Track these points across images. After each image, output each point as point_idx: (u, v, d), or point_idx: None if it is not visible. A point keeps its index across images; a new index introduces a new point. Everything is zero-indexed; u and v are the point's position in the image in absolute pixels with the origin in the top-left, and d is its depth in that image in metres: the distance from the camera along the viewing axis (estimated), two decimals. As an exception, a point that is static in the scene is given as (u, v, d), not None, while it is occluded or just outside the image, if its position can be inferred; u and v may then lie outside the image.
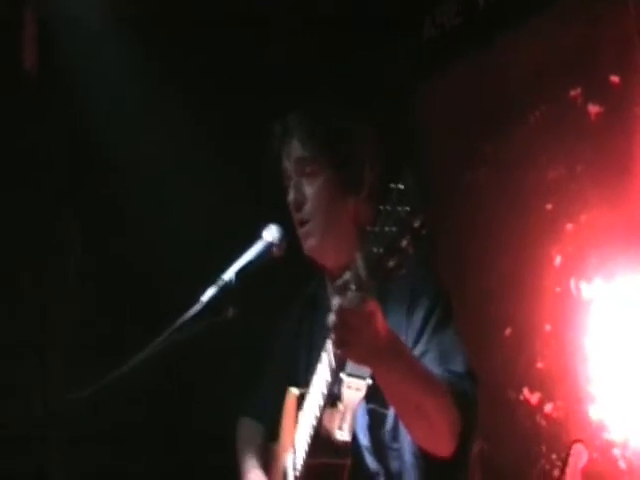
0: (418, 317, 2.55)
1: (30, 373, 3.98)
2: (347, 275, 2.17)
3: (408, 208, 2.00)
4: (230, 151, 4.11)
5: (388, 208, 2.03)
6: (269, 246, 2.61)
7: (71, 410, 2.45)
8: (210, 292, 2.52)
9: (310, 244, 2.71)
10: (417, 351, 2.50)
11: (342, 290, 2.18)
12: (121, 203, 4.19)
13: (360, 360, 2.32)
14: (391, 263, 2.05)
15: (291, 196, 2.73)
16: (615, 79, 3.67)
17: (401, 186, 2.02)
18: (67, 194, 4.17)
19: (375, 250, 2.06)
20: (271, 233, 2.62)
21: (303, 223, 2.71)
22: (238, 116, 4.14)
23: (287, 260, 2.63)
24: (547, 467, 3.81)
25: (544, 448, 3.83)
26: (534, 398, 3.90)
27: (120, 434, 4.07)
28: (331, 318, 2.19)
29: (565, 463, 3.64)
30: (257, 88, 4.26)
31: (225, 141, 4.19)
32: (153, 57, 4.18)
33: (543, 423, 3.86)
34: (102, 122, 4.09)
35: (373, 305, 2.20)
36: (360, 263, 2.11)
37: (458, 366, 2.48)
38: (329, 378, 2.42)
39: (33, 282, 4.07)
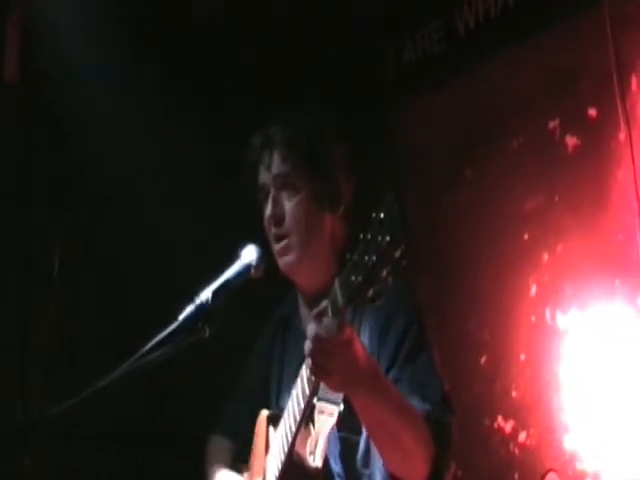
0: (391, 344, 2.54)
1: (10, 376, 3.96)
2: (324, 303, 2.17)
3: (388, 238, 1.97)
4: (222, 162, 4.11)
5: (368, 237, 2.01)
6: (247, 267, 2.59)
7: (49, 421, 2.44)
8: (186, 311, 2.53)
9: (288, 261, 2.69)
10: (390, 377, 2.48)
11: (319, 318, 2.18)
12: (107, 210, 4.19)
13: (338, 387, 2.32)
14: (370, 293, 2.03)
15: (269, 210, 2.70)
16: (593, 112, 3.71)
17: (382, 215, 2.00)
18: (52, 199, 4.16)
19: (354, 279, 2.04)
20: (250, 254, 2.61)
21: (280, 238, 2.68)
22: (227, 125, 4.16)
23: (264, 278, 2.63)
24: (520, 495, 3.82)
25: (517, 476, 3.82)
26: (508, 426, 3.90)
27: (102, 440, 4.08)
28: (307, 345, 2.19)
29: (538, 492, 3.66)
30: (249, 98, 4.29)
31: (216, 152, 4.22)
32: (140, 64, 4.18)
33: (516, 451, 3.86)
34: (87, 132, 4.10)
35: (350, 332, 2.20)
36: (338, 291, 2.11)
37: (433, 393, 2.47)
38: (302, 404, 2.41)
39: (17, 284, 4.06)
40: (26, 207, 4.13)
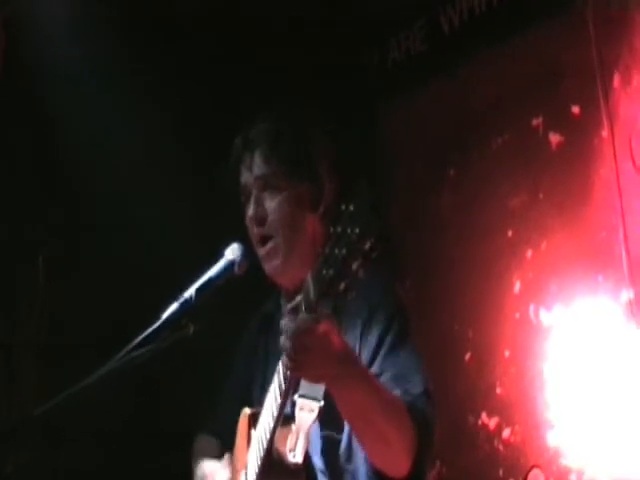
0: (373, 337, 2.53)
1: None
2: (298, 298, 2.18)
3: (358, 230, 1.98)
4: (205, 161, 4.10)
5: (339, 230, 2.02)
6: (231, 264, 2.59)
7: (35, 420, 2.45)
8: (170, 309, 2.53)
9: (274, 265, 2.67)
10: (373, 370, 2.48)
11: (294, 313, 2.19)
12: (91, 207, 4.19)
13: (316, 380, 2.33)
14: (341, 286, 2.04)
15: (251, 211, 2.69)
16: (576, 109, 3.73)
17: (352, 207, 2.01)
18: (36, 198, 4.16)
19: (325, 273, 2.05)
20: (233, 251, 2.61)
21: (265, 239, 2.67)
22: (211, 125, 4.17)
23: (248, 275, 2.64)
24: (505, 491, 3.84)
25: (501, 472, 3.84)
26: (492, 423, 3.91)
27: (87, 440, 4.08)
28: (282, 340, 2.20)
29: (522, 488, 3.67)
30: (230, 98, 4.29)
31: (199, 152, 4.22)
32: (124, 61, 4.17)
33: (501, 448, 3.87)
34: (73, 128, 4.10)
35: (326, 324, 2.20)
36: (310, 285, 2.12)
37: (415, 386, 2.46)
38: (279, 399, 2.41)
39: (4, 284, 4.05)
40: (11, 206, 4.12)
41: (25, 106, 4.12)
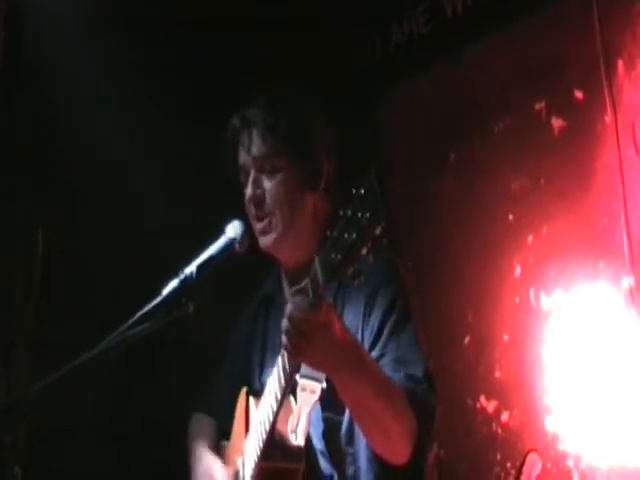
0: (375, 320, 2.53)
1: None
2: (305, 281, 2.16)
3: (368, 215, 1.96)
4: (200, 143, 4.09)
5: (348, 213, 2.00)
6: (232, 242, 2.59)
7: (28, 404, 2.44)
8: (171, 285, 2.53)
9: (268, 240, 2.67)
10: (374, 354, 2.48)
11: (299, 296, 2.18)
12: (89, 197, 4.18)
13: (316, 366, 2.33)
14: (350, 270, 2.02)
15: (250, 191, 2.68)
16: (579, 95, 3.72)
17: (362, 191, 1.98)
18: (32, 190, 4.15)
19: (333, 256, 2.03)
20: (234, 229, 2.60)
21: (261, 218, 2.67)
22: (207, 109, 4.15)
23: (248, 255, 2.63)
24: (502, 475, 3.83)
25: (499, 456, 3.85)
26: (491, 406, 3.92)
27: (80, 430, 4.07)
28: (284, 324, 2.19)
29: (519, 472, 3.68)
30: (226, 81, 4.28)
31: (193, 135, 4.20)
32: (122, 54, 4.17)
33: (499, 431, 3.88)
34: (72, 118, 4.10)
35: (329, 312, 2.19)
36: (318, 269, 2.10)
37: (416, 370, 2.46)
38: (283, 382, 2.41)
39: (2, 281, 4.04)
40: (10, 205, 4.11)
41: (24, 96, 4.12)
